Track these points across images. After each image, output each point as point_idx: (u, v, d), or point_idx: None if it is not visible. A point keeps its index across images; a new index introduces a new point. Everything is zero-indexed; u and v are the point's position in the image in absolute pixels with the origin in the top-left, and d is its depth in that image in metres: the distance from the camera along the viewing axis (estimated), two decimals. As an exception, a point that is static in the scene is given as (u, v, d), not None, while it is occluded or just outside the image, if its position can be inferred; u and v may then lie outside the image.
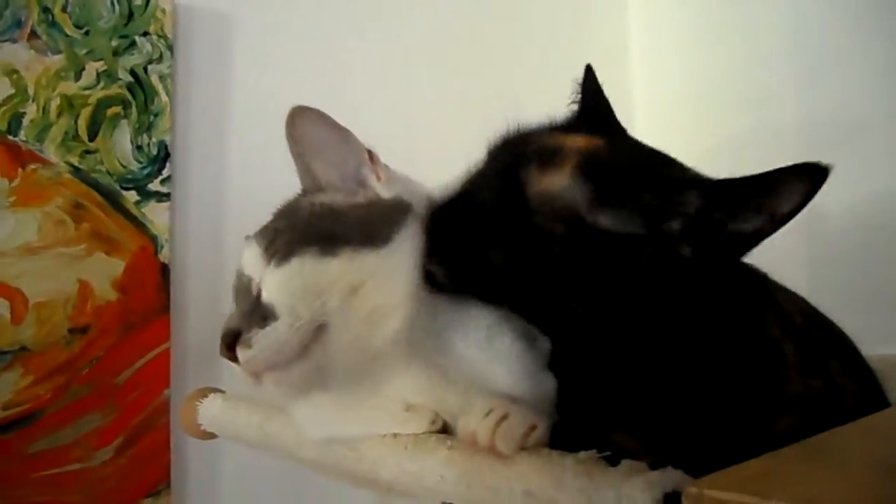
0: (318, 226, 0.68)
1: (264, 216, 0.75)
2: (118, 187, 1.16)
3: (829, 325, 0.68)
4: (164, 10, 1.22)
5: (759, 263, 0.64)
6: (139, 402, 1.15)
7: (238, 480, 1.26)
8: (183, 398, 0.98)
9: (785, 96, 1.59)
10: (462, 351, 0.63)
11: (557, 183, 0.55)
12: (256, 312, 0.64)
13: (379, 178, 0.73)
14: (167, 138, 1.21)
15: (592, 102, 0.71)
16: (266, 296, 0.64)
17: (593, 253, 0.54)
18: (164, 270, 1.19)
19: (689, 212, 0.54)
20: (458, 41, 1.65)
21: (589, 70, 0.74)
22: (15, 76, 1.08)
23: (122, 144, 1.17)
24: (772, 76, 1.64)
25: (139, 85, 1.20)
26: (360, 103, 1.32)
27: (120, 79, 1.18)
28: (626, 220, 0.54)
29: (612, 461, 0.47)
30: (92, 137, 1.15)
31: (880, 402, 0.66)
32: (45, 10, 1.11)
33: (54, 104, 1.11)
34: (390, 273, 0.64)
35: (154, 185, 1.20)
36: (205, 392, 0.94)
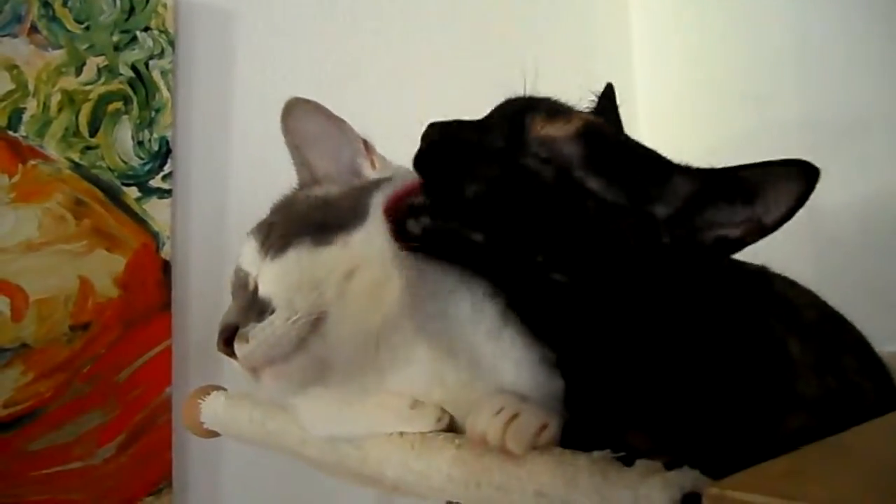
0: (312, 217, 0.67)
1: (266, 212, 0.74)
2: (119, 183, 1.15)
3: (843, 322, 0.68)
4: (165, 5, 1.21)
5: (760, 261, 0.63)
6: (141, 400, 1.14)
7: (240, 479, 1.25)
8: (185, 396, 0.97)
9: (788, 95, 1.59)
10: (470, 339, 0.62)
11: (558, 133, 0.56)
12: (253, 307, 0.63)
13: (374, 167, 0.73)
14: (168, 134, 1.21)
15: (606, 115, 0.71)
16: (263, 290, 0.64)
17: (572, 208, 0.54)
18: (166, 267, 1.19)
19: (676, 199, 0.54)
20: (460, 39, 1.64)
21: (610, 87, 0.75)
22: (15, 71, 1.07)
23: (123, 140, 1.16)
24: (774, 75, 1.64)
25: (140, 80, 1.19)
26: (362, 99, 1.31)
27: (121, 74, 1.17)
28: (612, 190, 0.54)
29: (627, 461, 0.46)
30: (93, 133, 1.14)
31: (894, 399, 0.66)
32: (46, 4, 1.10)
33: (55, 100, 1.10)
34: (374, 244, 0.63)
35: (155, 182, 1.19)
36: (207, 390, 0.93)
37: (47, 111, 1.10)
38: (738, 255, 0.56)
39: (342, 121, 0.74)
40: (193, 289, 1.23)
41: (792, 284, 0.66)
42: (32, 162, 1.08)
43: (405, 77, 1.52)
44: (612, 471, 0.46)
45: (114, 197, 1.15)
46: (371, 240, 0.63)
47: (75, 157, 1.12)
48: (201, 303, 1.23)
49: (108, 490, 1.10)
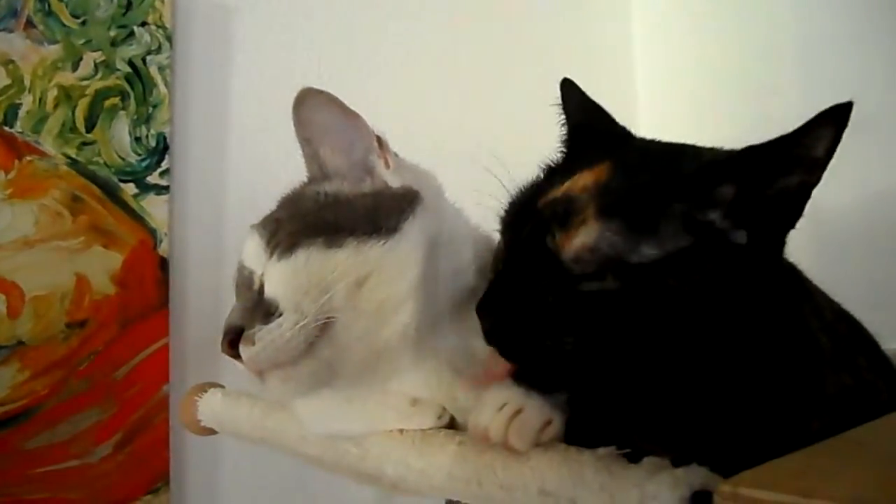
0: (322, 216, 0.65)
1: (265, 209, 0.72)
2: (116, 180, 1.14)
3: (854, 321, 0.67)
4: (162, 0, 1.20)
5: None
6: (138, 398, 1.13)
7: (238, 477, 1.24)
8: (182, 394, 0.96)
9: (790, 90, 1.58)
10: (475, 346, 0.61)
11: (586, 237, 0.51)
12: (259, 308, 0.62)
13: (388, 166, 0.70)
14: (166, 130, 1.20)
15: (581, 117, 0.67)
16: (269, 290, 0.62)
17: (653, 289, 0.50)
18: (163, 264, 1.18)
19: (725, 198, 0.52)
20: (458, 36, 1.63)
21: (565, 85, 0.69)
22: (11, 66, 1.06)
23: (120, 136, 1.15)
24: (776, 69, 1.63)
25: (137, 76, 1.18)
26: (361, 94, 1.30)
27: (118, 69, 1.16)
28: (667, 238, 0.50)
29: (633, 458, 0.45)
30: (89, 129, 1.13)
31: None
32: (42, -1, 1.09)
33: (51, 95, 1.09)
34: (398, 265, 0.62)
35: (153, 178, 1.18)
36: (204, 387, 0.92)
37: (43, 106, 1.08)
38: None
39: (356, 114, 0.71)
40: (191, 286, 1.22)
41: (807, 279, 0.65)
42: (28, 158, 1.07)
43: (405, 73, 1.51)
44: (619, 468, 0.45)
45: (111, 193, 1.14)
46: (394, 257, 0.62)
47: (72, 152, 1.11)
48: (199, 300, 1.22)
49: (106, 489, 1.09)
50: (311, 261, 0.61)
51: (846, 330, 0.65)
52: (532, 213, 0.56)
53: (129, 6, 1.17)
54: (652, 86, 1.87)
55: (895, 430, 0.45)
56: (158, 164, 1.18)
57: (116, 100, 1.15)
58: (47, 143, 1.08)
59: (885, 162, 1.41)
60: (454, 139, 1.40)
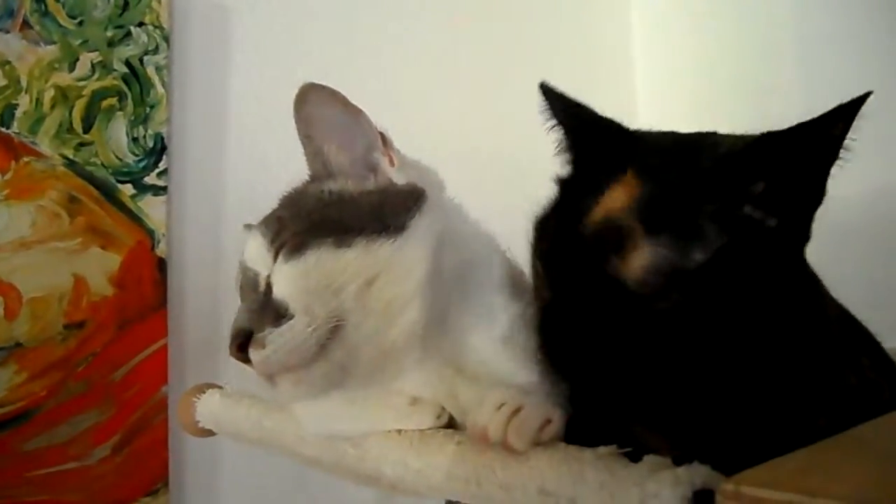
0: (329, 215, 0.65)
1: (263, 209, 0.71)
2: (114, 180, 1.14)
3: (855, 320, 0.67)
4: (159, 0, 1.19)
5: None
6: (136, 399, 1.13)
7: (237, 478, 1.24)
8: (181, 395, 0.96)
9: (789, 89, 1.58)
10: (480, 345, 0.61)
11: (644, 259, 0.52)
12: (268, 310, 0.61)
13: (392, 163, 0.69)
14: (163, 130, 1.19)
15: (573, 121, 0.66)
16: (278, 292, 0.61)
17: (714, 294, 0.51)
18: (161, 265, 1.17)
19: (756, 190, 0.52)
20: (458, 36, 1.63)
21: (545, 89, 0.67)
22: (7, 67, 1.05)
23: (117, 137, 1.15)
24: (775, 68, 1.63)
25: (135, 76, 1.17)
26: (360, 94, 1.30)
27: (115, 70, 1.15)
28: (711, 239, 0.51)
29: (633, 456, 0.45)
30: (87, 129, 1.12)
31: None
32: (38, -1, 1.08)
33: (48, 96, 1.09)
34: (405, 263, 0.62)
35: (150, 179, 1.17)
36: (202, 388, 0.92)
37: (40, 107, 1.08)
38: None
39: (359, 110, 0.70)
40: (189, 287, 1.21)
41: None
42: (25, 159, 1.06)
43: (403, 72, 1.50)
44: (619, 467, 0.45)
45: (108, 194, 1.13)
46: (402, 256, 0.62)
47: (69, 153, 1.10)
48: (197, 301, 1.21)
49: (104, 491, 1.09)
50: (321, 262, 0.60)
51: (850, 328, 0.64)
52: (575, 240, 0.56)
53: (125, 6, 1.16)
54: (651, 85, 1.87)
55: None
56: (156, 164, 1.18)
57: (113, 100, 1.15)
58: (44, 144, 1.08)
59: (884, 160, 1.41)
60: (452, 139, 1.39)
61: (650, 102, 1.85)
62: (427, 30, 1.57)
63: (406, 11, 1.54)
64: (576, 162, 0.65)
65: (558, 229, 0.59)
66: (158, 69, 1.19)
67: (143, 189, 1.16)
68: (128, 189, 1.15)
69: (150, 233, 1.16)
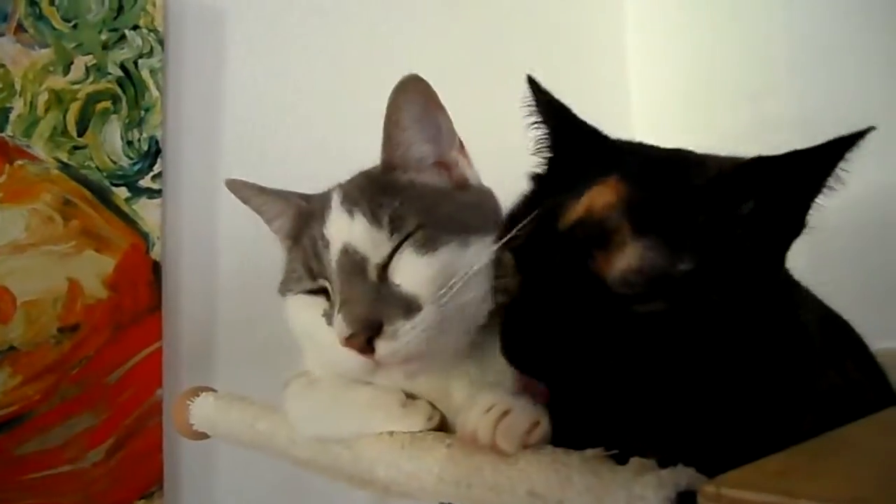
0: (445, 212, 0.67)
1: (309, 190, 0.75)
2: (108, 184, 1.14)
3: (842, 321, 0.67)
4: (154, 3, 1.19)
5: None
6: (131, 403, 1.13)
7: (232, 481, 1.24)
8: (176, 398, 0.96)
9: (782, 92, 1.58)
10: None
11: (630, 258, 0.51)
12: (392, 300, 0.61)
13: (470, 165, 0.73)
14: (158, 134, 1.19)
15: (555, 121, 0.66)
16: (406, 283, 0.62)
17: (697, 303, 0.51)
18: (156, 268, 1.17)
19: (746, 210, 0.53)
20: (456, 38, 1.63)
21: (533, 83, 0.68)
22: (1, 70, 1.06)
23: (111, 140, 1.15)
24: (768, 72, 1.63)
25: (129, 79, 1.17)
26: (353, 97, 1.30)
27: (109, 73, 1.16)
28: (697, 250, 0.51)
29: (620, 459, 0.45)
30: (81, 133, 1.12)
31: (889, 397, 0.65)
32: (33, 3, 1.08)
33: (42, 99, 1.09)
34: (483, 265, 0.64)
35: (145, 182, 1.17)
36: (196, 391, 0.92)
37: (34, 111, 1.08)
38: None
39: (445, 109, 0.73)
40: (184, 290, 1.21)
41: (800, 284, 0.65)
42: (19, 162, 1.06)
43: (397, 74, 1.50)
44: (606, 469, 0.45)
45: (103, 197, 1.14)
46: (491, 253, 0.64)
47: (63, 157, 1.10)
48: (192, 304, 1.22)
49: (99, 494, 1.09)
50: (451, 258, 0.63)
51: (834, 330, 0.65)
52: (552, 235, 0.56)
53: (120, 10, 1.17)
54: (645, 87, 1.87)
55: (879, 430, 0.45)
56: (150, 167, 1.18)
57: (108, 103, 1.15)
58: (38, 148, 1.08)
59: (878, 162, 1.41)
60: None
61: (643, 105, 1.85)
62: (420, 32, 1.57)
63: (398, 14, 1.54)
64: (554, 161, 0.65)
65: (533, 224, 0.59)
66: (153, 72, 1.19)
67: (137, 192, 1.17)
68: (122, 192, 1.15)
69: (145, 236, 1.17)
